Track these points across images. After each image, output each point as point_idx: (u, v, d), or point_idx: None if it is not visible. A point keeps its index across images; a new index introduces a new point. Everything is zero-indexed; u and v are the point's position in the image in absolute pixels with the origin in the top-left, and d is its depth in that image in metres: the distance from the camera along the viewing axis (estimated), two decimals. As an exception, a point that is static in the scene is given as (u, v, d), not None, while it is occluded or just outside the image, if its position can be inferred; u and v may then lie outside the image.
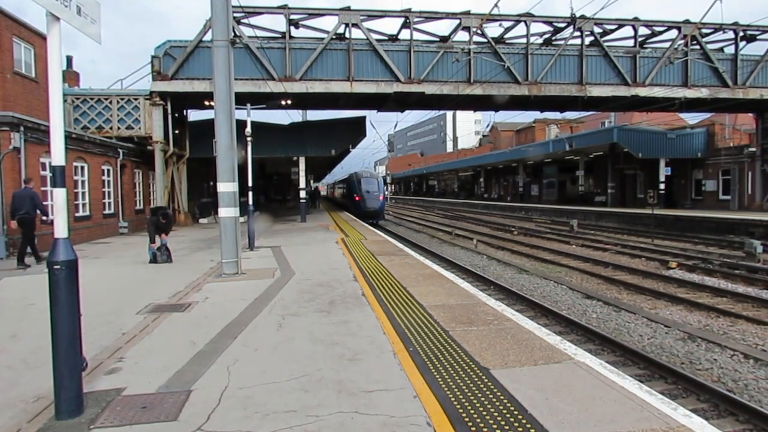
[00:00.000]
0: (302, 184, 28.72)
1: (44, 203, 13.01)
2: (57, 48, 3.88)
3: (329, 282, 9.51)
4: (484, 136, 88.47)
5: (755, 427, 5.55)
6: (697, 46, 25.36)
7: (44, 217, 12.95)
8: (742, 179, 31.61)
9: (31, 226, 12.35)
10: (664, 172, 33.25)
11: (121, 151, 21.17)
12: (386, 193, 39.60)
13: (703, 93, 25.41)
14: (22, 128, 14.30)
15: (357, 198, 34.47)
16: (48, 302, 3.86)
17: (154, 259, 12.44)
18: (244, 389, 4.43)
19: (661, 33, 25.78)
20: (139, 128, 22.71)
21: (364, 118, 28.89)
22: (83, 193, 18.21)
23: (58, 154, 3.90)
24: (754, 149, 30.79)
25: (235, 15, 20.17)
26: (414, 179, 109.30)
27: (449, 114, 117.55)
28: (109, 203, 20.42)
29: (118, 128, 22.55)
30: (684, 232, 24.96)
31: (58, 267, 3.82)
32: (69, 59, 25.26)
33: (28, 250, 12.42)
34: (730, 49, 26.48)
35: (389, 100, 24.83)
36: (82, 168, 18.23)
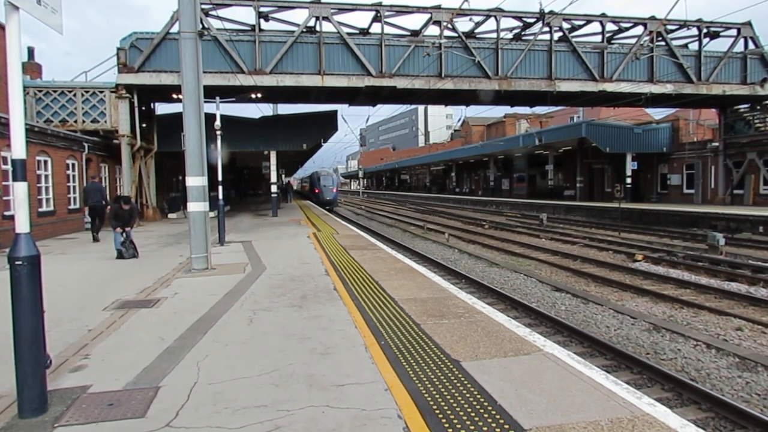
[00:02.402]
0: (273, 178, 28.47)
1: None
2: (16, 38, 3.77)
3: (301, 277, 9.46)
4: (455, 130, 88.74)
5: (717, 415, 5.68)
6: (663, 43, 25.87)
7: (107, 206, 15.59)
8: (706, 173, 32.44)
9: (101, 212, 15.57)
10: (630, 166, 33.86)
11: (86, 144, 20.66)
12: (340, 186, 52.54)
13: (668, 88, 25.98)
14: (-20, 121, 13.88)
15: (317, 190, 44.50)
16: (9, 299, 3.76)
17: (120, 255, 12.18)
18: (214, 385, 4.39)
19: (627, 29, 26.26)
20: (105, 122, 22.18)
21: (335, 112, 28.78)
22: (47, 188, 17.71)
23: (18, 147, 3.80)
24: (717, 144, 31.59)
25: (203, 6, 19.78)
26: (386, 174, 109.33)
27: (421, 108, 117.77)
28: (75, 198, 19.92)
29: (83, 121, 21.98)
30: (650, 225, 25.55)
31: (19, 263, 3.73)
32: (30, 50, 24.52)
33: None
34: (694, 46, 27.08)
35: (361, 94, 24.77)
36: (46, 162, 17.73)
